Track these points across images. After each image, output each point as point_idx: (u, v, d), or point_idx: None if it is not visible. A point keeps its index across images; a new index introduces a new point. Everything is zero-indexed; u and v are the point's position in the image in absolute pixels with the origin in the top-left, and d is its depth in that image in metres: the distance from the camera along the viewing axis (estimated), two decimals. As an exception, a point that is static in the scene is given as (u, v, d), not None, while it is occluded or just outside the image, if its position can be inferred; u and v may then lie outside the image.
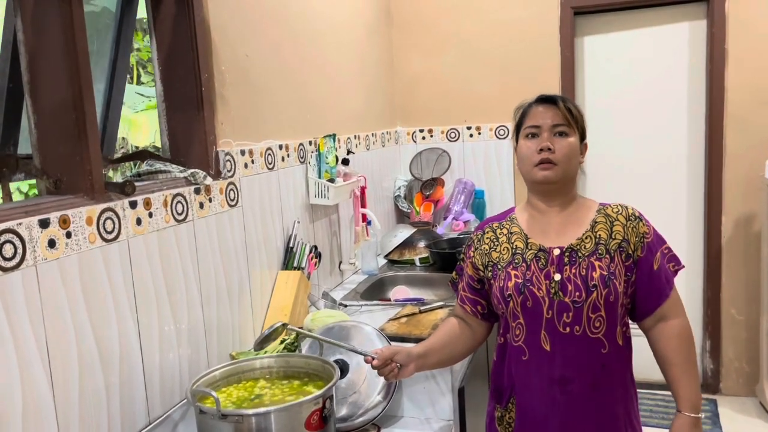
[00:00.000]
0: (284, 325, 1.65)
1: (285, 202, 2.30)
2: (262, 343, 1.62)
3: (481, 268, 1.63)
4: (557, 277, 1.50)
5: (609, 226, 1.54)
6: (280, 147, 2.27)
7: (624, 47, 3.60)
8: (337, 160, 2.58)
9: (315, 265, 2.36)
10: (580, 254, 1.51)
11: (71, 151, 1.42)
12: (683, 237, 3.62)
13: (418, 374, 1.87)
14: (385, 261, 3.12)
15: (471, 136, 3.73)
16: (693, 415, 1.50)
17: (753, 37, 3.30)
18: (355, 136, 3.02)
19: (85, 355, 1.36)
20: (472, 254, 1.66)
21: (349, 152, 2.73)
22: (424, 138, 3.81)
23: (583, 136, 1.58)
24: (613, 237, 1.52)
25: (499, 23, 3.62)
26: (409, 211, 3.62)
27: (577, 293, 1.47)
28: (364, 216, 2.80)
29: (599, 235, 1.53)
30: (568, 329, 1.49)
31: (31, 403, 1.24)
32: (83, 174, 1.42)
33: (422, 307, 2.27)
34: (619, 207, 1.57)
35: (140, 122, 4.81)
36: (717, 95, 3.38)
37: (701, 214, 3.58)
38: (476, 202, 3.65)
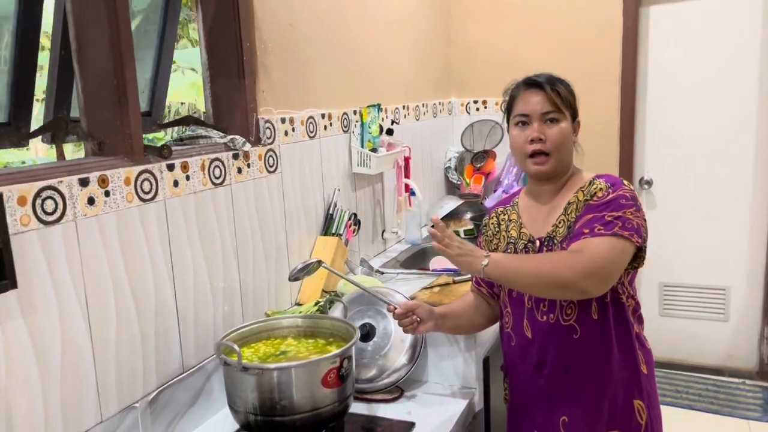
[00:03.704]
0: (319, 262, 1.72)
1: (326, 170, 2.36)
2: (296, 274, 1.69)
3: None
4: None
5: (579, 204, 1.49)
6: (323, 116, 2.33)
7: (697, 19, 3.41)
8: (381, 130, 2.61)
9: (354, 232, 2.42)
10: (555, 242, 1.51)
11: (113, 115, 1.52)
12: (746, 216, 3.47)
13: (443, 342, 1.92)
14: (431, 231, 3.15)
15: (526, 108, 3.66)
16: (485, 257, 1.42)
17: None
18: (404, 107, 3.04)
19: (121, 307, 1.47)
20: (482, 241, 1.70)
21: (393, 122, 2.76)
22: (478, 109, 3.78)
23: (575, 115, 1.56)
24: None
25: (559, -8, 3.52)
26: (459, 182, 3.62)
27: None
28: (407, 186, 2.83)
29: (571, 217, 1.50)
30: (545, 318, 1.52)
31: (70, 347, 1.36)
32: (123, 137, 1.52)
33: (456, 278, 2.30)
34: (597, 181, 1.50)
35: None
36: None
37: None
38: (528, 175, 3.60)
